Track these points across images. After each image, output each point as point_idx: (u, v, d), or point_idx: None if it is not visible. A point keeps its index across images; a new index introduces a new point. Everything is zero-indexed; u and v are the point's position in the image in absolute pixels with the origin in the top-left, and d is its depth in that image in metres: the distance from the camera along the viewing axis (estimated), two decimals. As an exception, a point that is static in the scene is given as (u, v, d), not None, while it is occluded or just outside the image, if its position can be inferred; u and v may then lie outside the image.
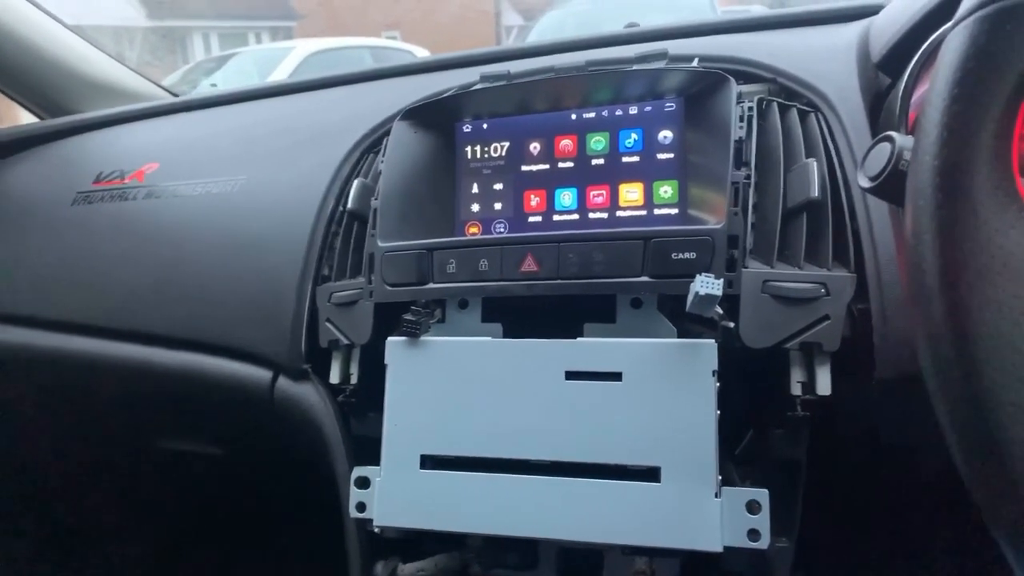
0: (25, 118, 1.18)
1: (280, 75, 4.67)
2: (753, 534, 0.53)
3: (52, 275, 0.88)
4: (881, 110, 0.62)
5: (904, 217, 0.35)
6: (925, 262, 0.33)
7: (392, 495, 0.60)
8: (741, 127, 0.59)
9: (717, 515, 0.53)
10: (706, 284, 0.51)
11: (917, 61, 0.58)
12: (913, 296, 0.34)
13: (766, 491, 0.53)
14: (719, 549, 0.52)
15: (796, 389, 0.56)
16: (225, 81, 4.69)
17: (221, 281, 0.78)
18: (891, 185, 0.43)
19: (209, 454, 0.95)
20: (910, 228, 0.34)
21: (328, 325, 0.70)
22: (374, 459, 0.62)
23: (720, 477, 0.53)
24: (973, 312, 0.31)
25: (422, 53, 5.57)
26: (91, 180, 0.94)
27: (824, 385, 0.55)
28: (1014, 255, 0.31)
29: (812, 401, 0.56)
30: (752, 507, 0.53)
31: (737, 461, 0.61)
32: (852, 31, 0.70)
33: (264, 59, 5.52)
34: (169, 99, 1.16)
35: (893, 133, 0.44)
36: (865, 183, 0.45)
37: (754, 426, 0.62)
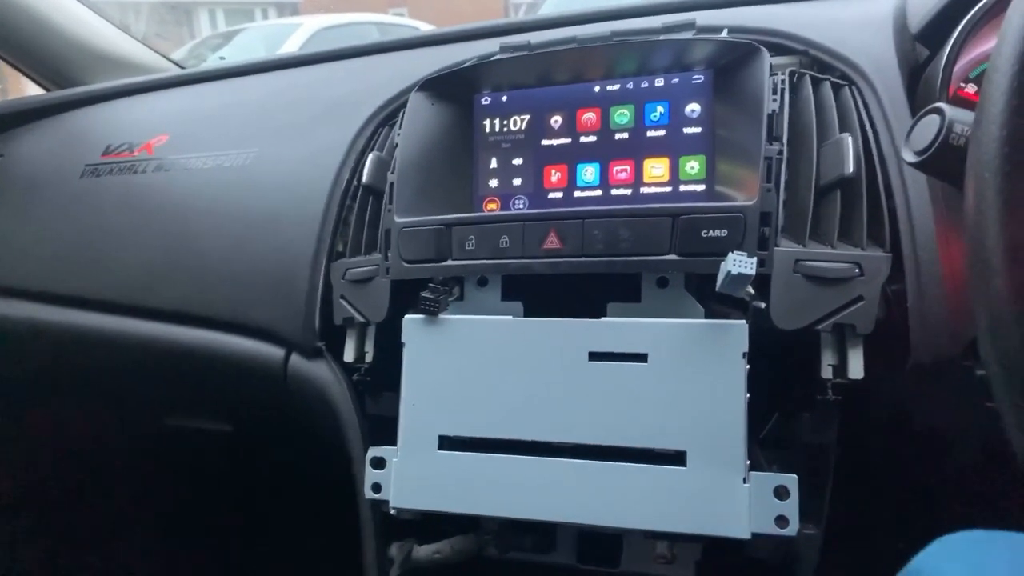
0: (31, 90, 1.16)
1: (287, 51, 4.63)
2: (781, 520, 0.51)
3: (60, 249, 0.86)
4: (919, 83, 0.60)
5: (965, 190, 0.33)
6: (989, 238, 0.31)
7: (409, 476, 0.59)
8: (774, 100, 0.57)
9: (745, 501, 0.51)
10: (739, 263, 0.49)
11: (961, 31, 0.55)
12: (974, 273, 0.32)
13: (795, 477, 0.52)
14: (747, 536, 0.51)
15: (827, 372, 0.54)
16: (232, 57, 4.65)
17: (233, 256, 0.77)
18: (940, 159, 0.41)
19: (220, 431, 0.93)
20: (972, 202, 0.32)
21: (343, 302, 0.69)
22: (389, 439, 0.61)
23: (748, 462, 0.52)
24: None
25: (430, 29, 5.51)
26: (100, 153, 0.92)
27: (856, 369, 0.54)
28: None
29: (843, 385, 0.54)
30: (780, 493, 0.52)
31: (763, 444, 0.60)
32: (888, 1, 0.67)
33: (271, 35, 5.46)
34: (178, 71, 1.14)
35: (942, 104, 0.42)
36: (911, 158, 0.43)
37: (781, 409, 0.60)
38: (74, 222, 0.87)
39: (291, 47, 4.76)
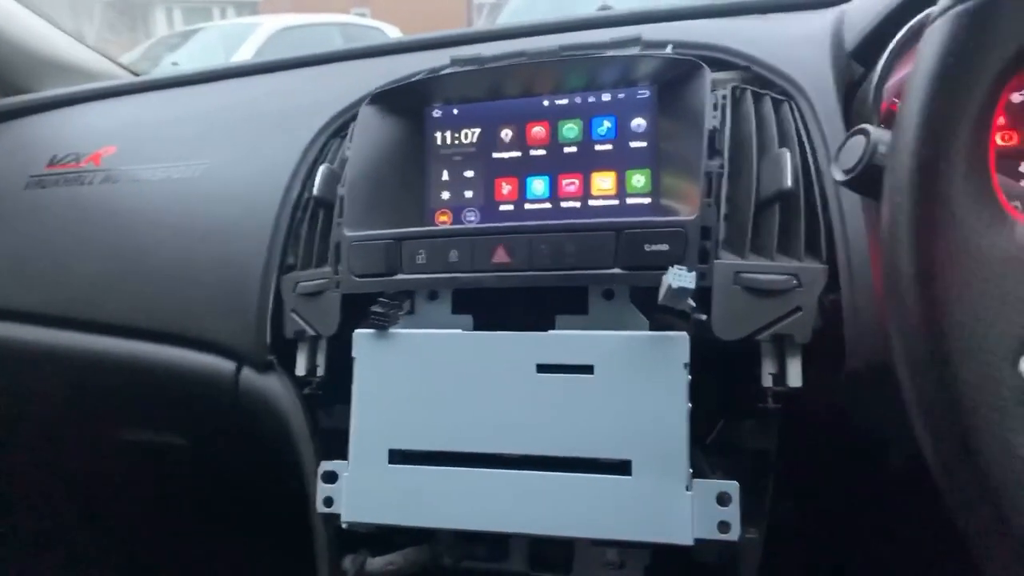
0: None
1: (246, 52, 4.56)
2: (723, 526, 0.53)
3: (4, 263, 0.85)
4: (854, 100, 0.62)
5: (881, 213, 0.35)
6: (901, 261, 0.33)
7: (360, 490, 0.59)
8: (715, 116, 0.58)
9: (688, 508, 0.52)
10: (679, 277, 0.51)
11: (891, 51, 0.57)
12: (888, 294, 0.34)
13: (736, 483, 0.53)
14: (690, 542, 0.52)
15: (767, 381, 0.56)
16: (189, 58, 4.56)
17: (182, 269, 0.76)
18: (866, 178, 0.43)
19: (175, 445, 0.92)
20: (887, 226, 0.34)
21: (293, 316, 0.68)
22: (342, 452, 0.61)
23: (691, 469, 0.53)
24: (949, 313, 0.31)
25: (393, 31, 5.49)
26: (44, 163, 0.90)
27: (795, 377, 0.55)
28: (990, 256, 0.31)
29: (783, 393, 0.55)
30: (723, 499, 0.53)
31: (708, 451, 0.61)
32: (827, 18, 0.69)
33: (230, 35, 5.38)
34: (128, 78, 1.12)
35: (868, 126, 0.43)
36: (839, 176, 0.45)
37: (725, 416, 0.61)
38: (18, 235, 0.85)
39: (250, 48, 4.70)
